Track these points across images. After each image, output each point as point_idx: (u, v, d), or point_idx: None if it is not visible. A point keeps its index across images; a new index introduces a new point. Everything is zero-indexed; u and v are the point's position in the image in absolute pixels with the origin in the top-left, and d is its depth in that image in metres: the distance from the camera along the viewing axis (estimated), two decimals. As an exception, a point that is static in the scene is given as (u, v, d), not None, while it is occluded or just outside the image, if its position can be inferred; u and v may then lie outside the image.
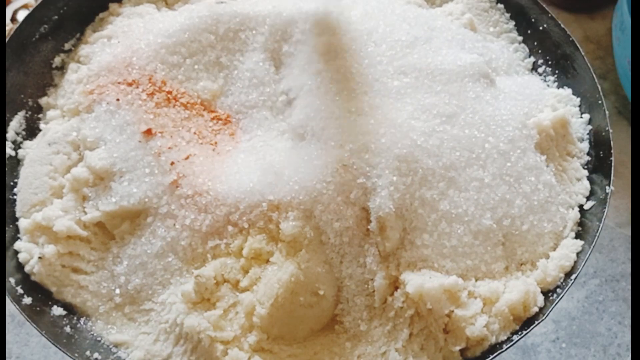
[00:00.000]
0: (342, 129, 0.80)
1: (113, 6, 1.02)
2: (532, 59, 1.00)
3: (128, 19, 0.99)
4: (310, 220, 0.77)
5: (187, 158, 0.82)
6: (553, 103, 0.92)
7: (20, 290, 0.78)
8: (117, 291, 0.80)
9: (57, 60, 0.97)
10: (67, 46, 0.98)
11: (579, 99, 0.93)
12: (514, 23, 1.04)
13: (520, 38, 1.02)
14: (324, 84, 0.85)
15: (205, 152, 0.84)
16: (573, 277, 0.78)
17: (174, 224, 0.79)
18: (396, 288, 0.77)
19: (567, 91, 0.94)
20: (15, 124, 0.91)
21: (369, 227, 0.77)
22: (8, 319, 1.05)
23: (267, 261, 0.77)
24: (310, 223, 0.77)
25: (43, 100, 0.95)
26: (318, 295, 0.76)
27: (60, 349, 0.74)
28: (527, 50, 1.01)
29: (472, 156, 0.81)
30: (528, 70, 1.00)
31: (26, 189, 0.84)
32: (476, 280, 0.78)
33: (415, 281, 0.74)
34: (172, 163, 0.81)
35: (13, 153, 0.89)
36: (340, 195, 0.77)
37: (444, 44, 0.91)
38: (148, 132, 0.82)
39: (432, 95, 0.84)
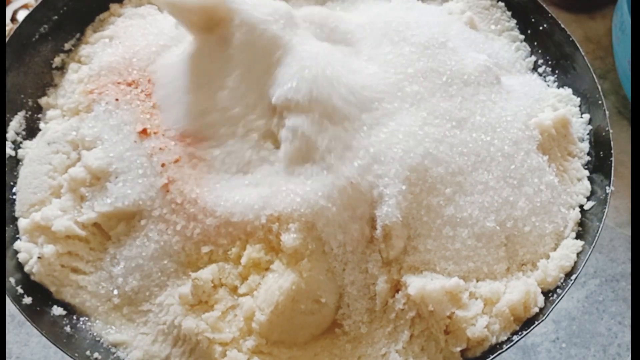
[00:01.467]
0: (347, 145, 0.76)
1: (114, 6, 1.02)
2: (533, 58, 1.00)
3: (130, 19, 0.99)
4: (312, 231, 0.75)
5: (176, 161, 0.80)
6: (553, 103, 0.92)
7: (20, 290, 0.78)
8: (115, 292, 0.79)
9: (57, 60, 0.97)
10: (67, 46, 0.98)
11: (579, 99, 0.92)
12: (515, 21, 1.03)
13: (522, 37, 1.01)
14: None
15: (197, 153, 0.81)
16: (573, 277, 0.77)
17: (166, 229, 0.78)
18: (397, 290, 0.77)
19: (567, 91, 0.94)
20: (15, 124, 0.91)
21: (373, 234, 0.76)
22: (8, 319, 1.05)
23: (267, 269, 0.76)
24: (312, 234, 0.75)
25: (43, 100, 0.94)
26: (319, 303, 0.75)
27: (60, 349, 0.74)
28: (529, 49, 1.01)
29: (478, 159, 0.80)
30: (529, 70, 0.99)
31: (25, 188, 0.84)
32: (477, 281, 0.78)
33: (416, 283, 0.74)
34: (162, 165, 0.79)
35: (13, 153, 0.89)
36: (346, 210, 0.75)
37: (461, 42, 0.89)
38: (144, 132, 0.81)
39: (447, 99, 0.82)
